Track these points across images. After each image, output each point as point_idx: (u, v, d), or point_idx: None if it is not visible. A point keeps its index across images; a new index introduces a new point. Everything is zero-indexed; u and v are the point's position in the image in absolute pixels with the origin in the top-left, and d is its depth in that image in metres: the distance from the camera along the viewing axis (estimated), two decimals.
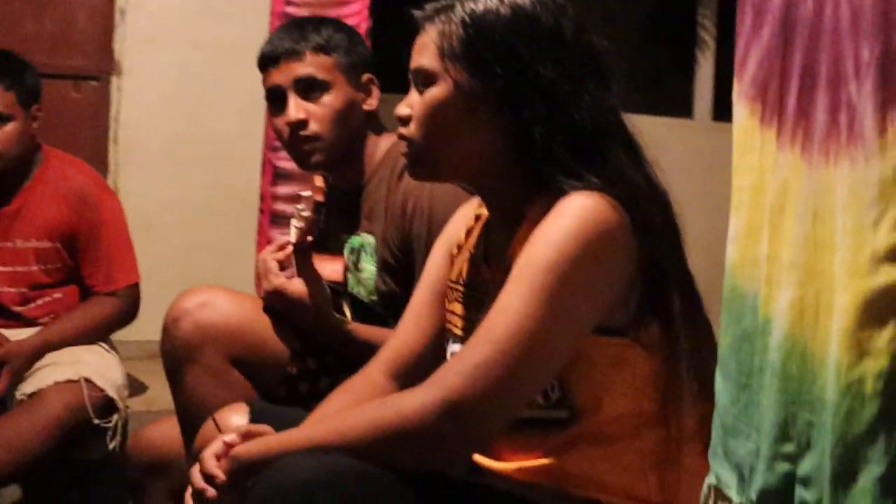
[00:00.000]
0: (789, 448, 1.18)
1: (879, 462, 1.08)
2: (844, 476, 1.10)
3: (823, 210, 1.15)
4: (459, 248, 1.84)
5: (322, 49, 2.33)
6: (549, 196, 1.60)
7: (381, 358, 1.87)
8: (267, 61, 2.36)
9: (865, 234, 1.09)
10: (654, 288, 1.61)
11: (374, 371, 1.86)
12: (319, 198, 2.17)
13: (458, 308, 1.80)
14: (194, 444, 1.90)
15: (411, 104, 1.72)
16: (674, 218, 1.68)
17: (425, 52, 1.70)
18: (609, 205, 1.56)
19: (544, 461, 1.65)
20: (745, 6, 1.28)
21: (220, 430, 1.82)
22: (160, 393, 3.12)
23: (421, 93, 1.70)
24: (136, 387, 3.35)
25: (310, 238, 2.21)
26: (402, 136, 1.74)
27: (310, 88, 2.31)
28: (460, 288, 1.81)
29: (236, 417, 1.86)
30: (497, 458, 1.69)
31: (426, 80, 1.69)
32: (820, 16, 1.16)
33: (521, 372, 1.52)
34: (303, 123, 2.29)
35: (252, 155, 3.89)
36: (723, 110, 5.17)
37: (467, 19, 1.66)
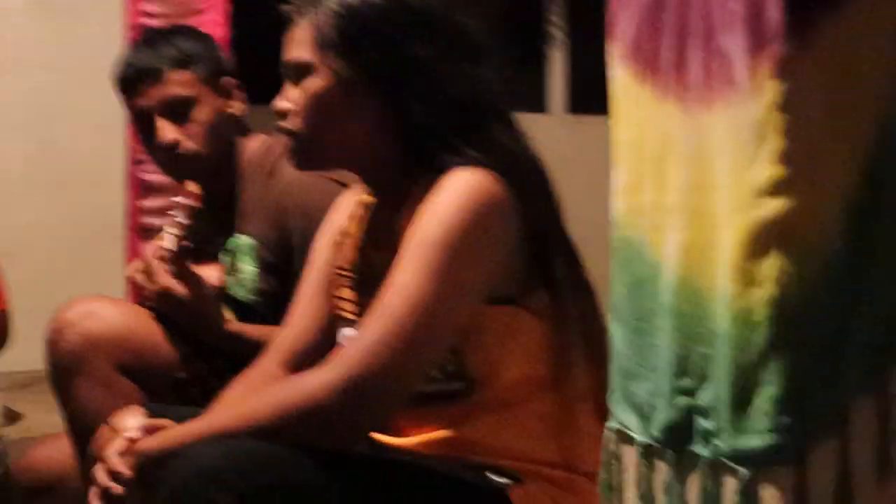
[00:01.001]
0: (687, 382, 1.24)
1: (773, 383, 1.15)
2: (742, 401, 1.17)
3: (704, 154, 1.21)
4: (345, 234, 1.87)
5: (181, 64, 2.32)
6: (432, 174, 1.65)
7: (275, 349, 1.89)
8: (126, 85, 2.34)
9: (745, 172, 1.16)
10: (538, 255, 1.67)
11: (269, 362, 1.87)
12: (195, 203, 2.17)
13: (347, 293, 1.83)
14: (90, 448, 1.88)
15: (290, 98, 1.74)
16: (552, 187, 1.75)
17: (299, 45, 1.73)
18: (490, 178, 1.62)
19: (444, 433, 1.70)
20: None
21: (115, 434, 1.81)
22: (37, 420, 3.08)
23: (297, 86, 1.73)
24: (11, 416, 3.29)
25: (186, 243, 2.21)
26: (283, 131, 1.76)
27: (176, 108, 2.31)
28: (349, 273, 1.84)
29: (132, 419, 1.85)
30: (398, 434, 1.73)
31: (302, 72, 1.72)
32: None
33: (419, 345, 1.57)
34: (176, 145, 2.29)
35: (113, 172, 3.84)
36: (576, 103, 5.31)
37: (338, 8, 1.70)
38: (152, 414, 1.79)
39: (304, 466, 1.52)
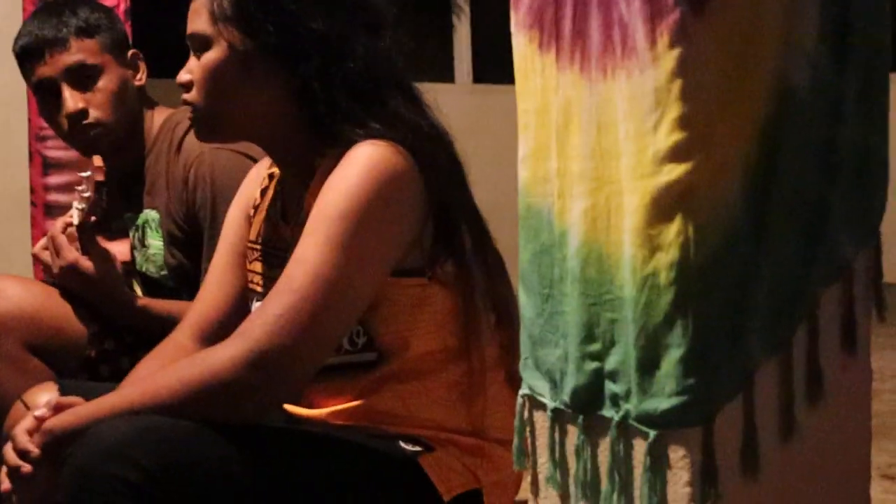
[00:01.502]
0: (595, 347, 1.26)
1: (679, 346, 1.17)
2: (648, 364, 1.19)
3: (606, 121, 1.23)
4: (256, 208, 1.87)
5: (85, 33, 2.29)
6: (338, 148, 1.65)
7: (187, 322, 1.88)
8: (30, 55, 2.30)
9: (647, 139, 1.18)
10: (444, 226, 1.68)
11: (181, 336, 1.87)
12: (100, 177, 2.14)
13: (258, 266, 1.83)
14: (4, 426, 1.86)
15: (191, 70, 1.74)
16: (457, 157, 1.76)
17: (198, 18, 1.72)
18: (394, 150, 1.63)
19: (356, 403, 1.71)
20: None
21: (28, 410, 1.79)
22: None
23: (199, 58, 1.72)
24: None
25: (93, 218, 2.18)
26: (185, 102, 1.76)
27: (82, 76, 2.28)
28: (259, 247, 1.84)
29: (45, 395, 1.84)
30: (310, 406, 1.73)
31: (202, 44, 1.72)
32: None
33: (324, 318, 1.57)
34: (83, 113, 2.26)
35: (17, 148, 3.78)
36: (482, 73, 5.33)
37: None
38: (65, 390, 1.77)
39: (211, 440, 1.52)
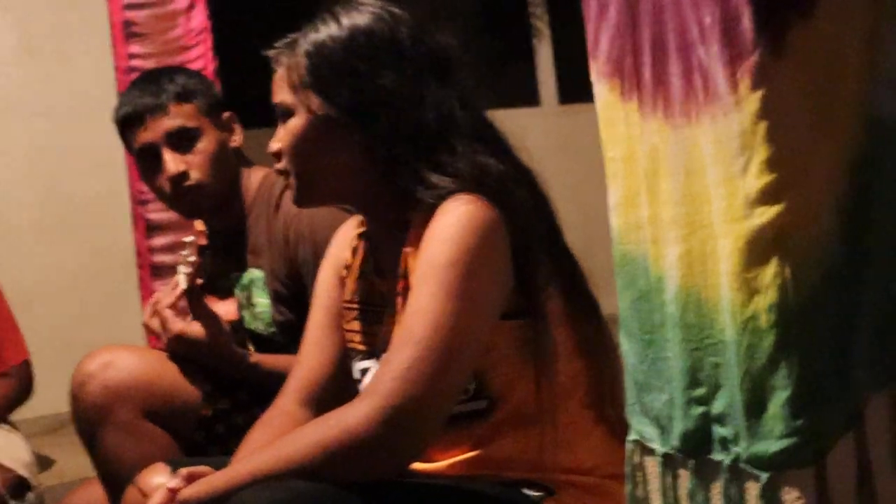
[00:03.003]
0: (701, 391, 1.25)
1: (785, 387, 1.16)
2: (755, 407, 1.19)
3: (694, 166, 1.23)
4: (348, 268, 1.89)
5: (183, 98, 2.37)
6: (430, 201, 1.67)
7: (290, 388, 1.90)
8: (131, 122, 2.37)
9: (736, 182, 1.17)
10: (526, 270, 1.68)
11: (286, 402, 1.89)
12: (202, 241, 2.20)
13: (356, 325, 1.85)
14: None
15: (279, 138, 1.79)
16: (543, 194, 1.77)
17: (280, 88, 1.78)
18: (480, 201, 1.64)
19: (472, 454, 1.71)
20: None
21: (142, 494, 1.83)
22: (68, 464, 3.12)
23: (284, 126, 1.78)
24: (43, 462, 3.32)
25: (199, 281, 2.24)
26: (278, 171, 1.81)
27: (182, 139, 2.35)
28: (356, 306, 1.86)
29: (157, 477, 1.86)
30: (426, 460, 1.74)
31: (286, 113, 1.77)
32: None
33: (449, 366, 1.57)
34: (184, 175, 2.33)
35: (120, 212, 3.88)
36: (567, 94, 5.32)
37: (309, 48, 1.74)
38: (174, 469, 1.80)
39: (349, 502, 1.52)
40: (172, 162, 2.33)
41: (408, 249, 1.70)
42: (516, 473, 1.70)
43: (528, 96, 5.08)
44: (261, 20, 4.39)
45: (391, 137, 1.69)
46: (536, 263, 1.68)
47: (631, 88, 1.31)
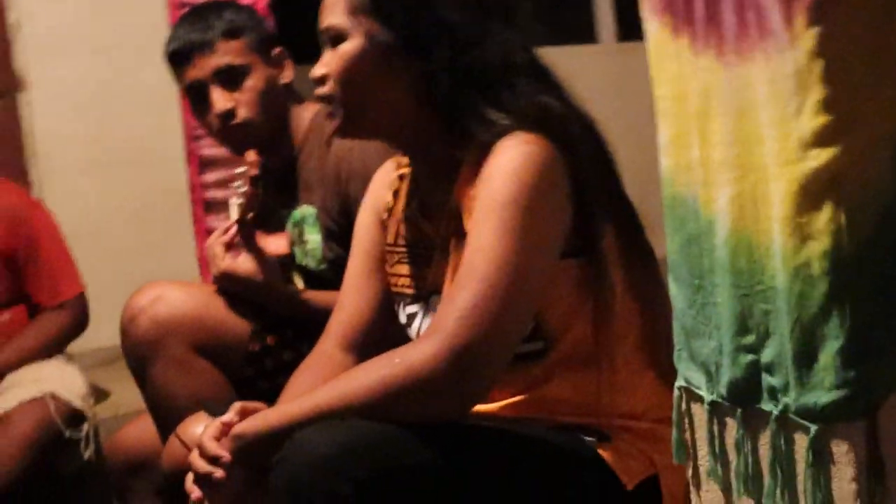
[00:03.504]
0: (750, 339, 1.22)
1: (837, 337, 1.13)
2: (806, 356, 1.15)
3: (746, 106, 1.18)
4: (389, 211, 1.86)
5: (231, 34, 2.34)
6: (482, 140, 1.63)
7: (331, 333, 1.88)
8: (178, 58, 2.35)
9: (790, 123, 1.13)
10: (584, 209, 1.65)
11: (328, 346, 1.87)
12: (255, 171, 2.18)
13: (403, 269, 1.82)
14: (164, 464, 1.89)
15: (326, 63, 1.73)
16: (600, 137, 1.73)
17: (334, 10, 1.72)
18: (539, 139, 1.60)
19: (526, 395, 1.69)
20: None
21: (185, 446, 1.82)
22: (124, 396, 3.14)
23: (333, 50, 1.72)
24: (98, 394, 3.35)
25: (251, 213, 2.23)
26: (320, 97, 1.75)
27: (230, 76, 2.32)
28: (402, 249, 1.83)
29: (199, 425, 1.85)
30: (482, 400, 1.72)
31: (337, 37, 1.71)
32: None
33: (514, 304, 1.54)
34: (231, 113, 2.31)
35: (173, 148, 3.88)
36: (626, 31, 5.23)
37: None
38: (213, 415, 1.77)
39: (412, 445, 1.48)
40: (220, 100, 2.31)
41: (460, 189, 1.66)
42: (569, 417, 1.68)
43: (584, 33, 4.98)
44: None
45: (451, 71, 1.65)
46: (595, 204, 1.65)
47: (682, 25, 1.26)
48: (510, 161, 1.58)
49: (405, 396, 1.50)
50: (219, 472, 1.56)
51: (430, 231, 1.76)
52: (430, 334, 1.53)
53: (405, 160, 1.86)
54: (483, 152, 1.62)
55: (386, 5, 1.68)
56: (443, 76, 1.65)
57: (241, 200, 2.20)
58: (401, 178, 1.86)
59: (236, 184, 2.21)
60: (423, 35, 1.67)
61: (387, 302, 1.86)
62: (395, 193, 1.86)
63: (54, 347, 3.14)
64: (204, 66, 2.32)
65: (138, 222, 3.99)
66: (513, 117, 1.62)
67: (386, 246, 1.86)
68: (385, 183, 1.90)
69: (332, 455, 1.43)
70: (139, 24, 3.88)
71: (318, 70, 1.74)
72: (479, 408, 1.69)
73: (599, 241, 1.65)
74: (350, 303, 1.88)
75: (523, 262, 1.54)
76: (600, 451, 1.65)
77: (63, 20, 3.99)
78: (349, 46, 1.70)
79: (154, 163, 3.98)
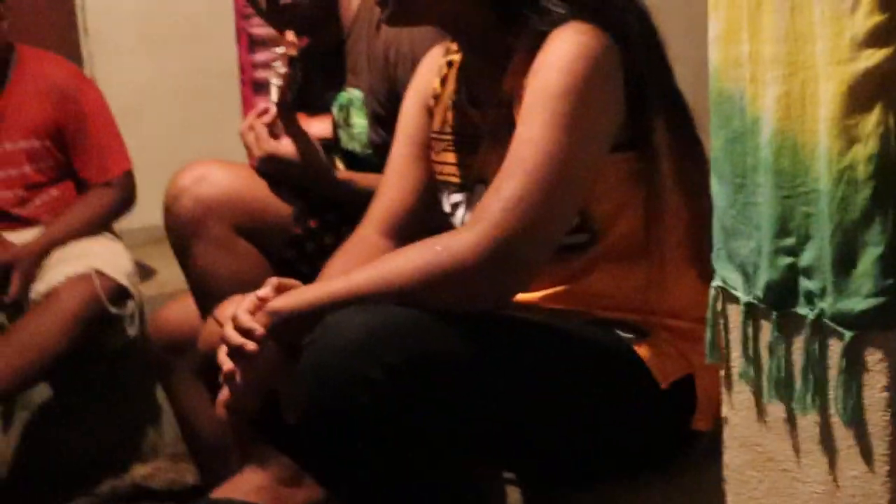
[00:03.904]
0: (789, 241, 1.20)
1: (878, 244, 1.10)
2: (845, 262, 1.13)
3: (800, 2, 1.14)
4: (436, 98, 1.84)
5: None
6: (536, 28, 1.60)
7: (372, 217, 1.86)
8: None
9: (844, 21, 1.09)
10: (638, 104, 1.62)
11: (368, 231, 1.86)
12: (293, 52, 2.15)
13: (450, 157, 1.80)
14: (201, 345, 1.89)
15: None
16: (654, 31, 1.68)
17: None
18: (595, 30, 1.57)
19: (567, 286, 1.68)
20: None
21: (221, 325, 1.82)
22: (169, 275, 3.16)
23: None
24: (145, 272, 3.39)
25: (291, 95, 2.21)
26: None
27: None
28: (448, 136, 1.81)
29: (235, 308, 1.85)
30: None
31: None
32: None
33: (560, 197, 1.52)
34: None
35: (224, 26, 3.85)
36: None
37: None
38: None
39: (447, 332, 1.47)
40: None
41: (512, 77, 1.64)
42: (609, 312, 1.68)
43: None
44: None
45: None
46: (649, 97, 1.62)
47: None
48: (564, 52, 1.55)
49: (444, 283, 1.48)
50: (251, 345, 1.55)
51: (478, 119, 1.74)
52: (472, 223, 1.51)
53: (454, 46, 1.83)
54: (537, 41, 1.59)
55: None
56: None
57: (280, 82, 2.17)
58: (449, 64, 1.83)
59: (275, 64, 2.19)
60: None
61: (430, 189, 1.84)
62: (444, 80, 1.83)
63: (101, 224, 3.17)
64: None
65: (188, 101, 3.99)
66: (569, 6, 1.59)
67: (432, 133, 1.84)
68: (433, 68, 1.87)
69: (363, 339, 1.42)
70: None
71: None
72: (520, 297, 1.67)
73: (652, 134, 1.63)
74: (392, 188, 1.86)
75: (571, 156, 1.52)
76: (637, 349, 1.64)
77: None
78: None
79: (205, 41, 3.96)
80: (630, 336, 1.66)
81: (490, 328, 1.53)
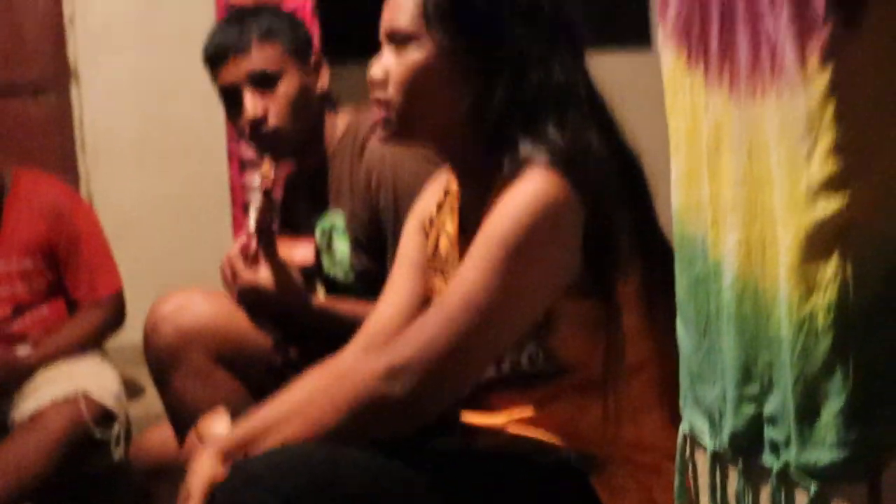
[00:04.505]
0: (753, 389, 1.17)
1: (839, 395, 1.07)
2: (808, 412, 1.09)
3: (757, 146, 1.13)
4: (432, 222, 1.84)
5: (267, 38, 2.31)
6: (515, 164, 1.60)
7: (361, 335, 1.85)
8: (214, 59, 2.34)
9: (800, 168, 1.07)
10: (600, 257, 1.61)
11: (354, 349, 1.84)
12: (268, 184, 2.16)
13: (439, 283, 1.80)
14: (183, 460, 1.88)
15: (386, 66, 1.68)
16: (639, 173, 1.68)
17: (402, 13, 1.67)
18: (562, 178, 1.56)
19: (532, 413, 1.67)
20: None
21: (202, 441, 1.81)
22: (157, 395, 3.12)
23: (396, 54, 1.67)
24: (133, 390, 3.35)
25: (268, 224, 2.20)
26: (377, 100, 1.70)
27: (263, 81, 2.30)
28: (438, 263, 1.81)
29: (219, 426, 1.85)
30: (488, 409, 1.70)
31: (403, 40, 1.66)
32: None
33: (469, 341, 1.55)
34: (262, 120, 2.29)
35: (218, 145, 3.88)
36: None
37: None
38: (235, 417, 1.78)
39: (353, 462, 1.54)
40: (251, 106, 2.28)
41: (487, 212, 1.62)
42: (570, 440, 1.66)
43: (639, 37, 4.90)
44: None
45: (509, 91, 1.62)
46: (612, 249, 1.61)
47: (697, 56, 1.21)
48: (515, 198, 1.56)
49: (351, 413, 1.55)
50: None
51: (464, 249, 1.72)
52: (379, 351, 1.61)
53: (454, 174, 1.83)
54: (510, 180, 1.59)
55: (463, 17, 1.64)
56: (500, 95, 1.63)
57: (256, 213, 2.17)
58: (446, 193, 1.83)
59: (253, 191, 2.19)
60: (492, 53, 1.63)
61: (425, 309, 1.82)
62: (440, 207, 1.83)
63: (90, 343, 3.16)
64: (238, 70, 2.30)
65: (182, 219, 4.01)
66: (544, 150, 1.59)
67: (427, 257, 1.83)
68: (433, 195, 1.87)
69: (265, 474, 1.49)
70: (189, 20, 3.88)
71: (378, 72, 1.69)
72: (483, 418, 1.70)
73: (612, 289, 1.62)
74: (385, 307, 1.85)
75: (494, 305, 1.55)
76: (593, 482, 1.62)
77: (115, 14, 4.01)
78: (418, 55, 1.65)
79: (199, 159, 3.99)
80: (587, 467, 1.64)
81: (413, 457, 1.58)
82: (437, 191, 1.86)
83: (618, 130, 1.69)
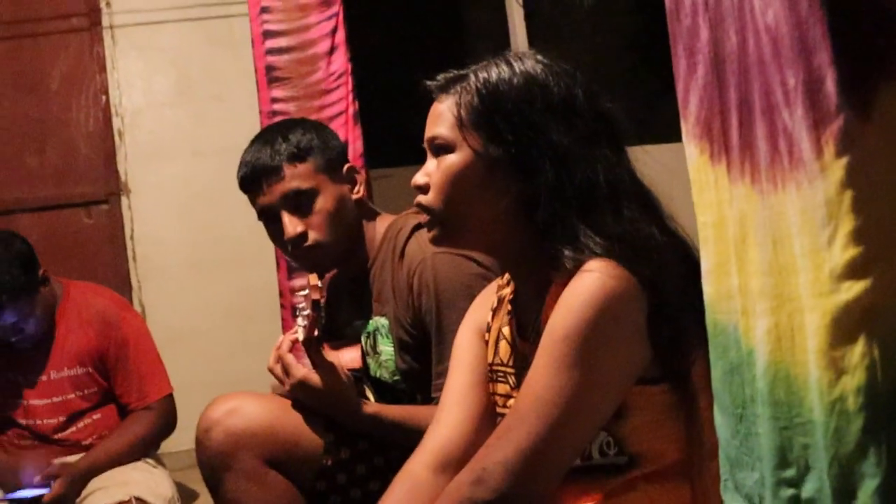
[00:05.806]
0: (790, 473, 1.18)
1: (874, 476, 1.09)
2: (844, 494, 1.11)
3: (781, 236, 1.16)
4: (489, 328, 1.84)
5: (297, 158, 2.35)
6: (570, 261, 1.61)
7: (426, 449, 1.83)
8: (248, 185, 2.38)
9: (822, 254, 1.11)
10: (670, 343, 1.61)
11: (418, 468, 1.82)
12: (316, 296, 2.19)
13: (503, 388, 1.80)
14: None
15: (429, 173, 1.73)
16: (695, 261, 1.69)
17: (441, 122, 1.72)
18: (620, 269, 1.57)
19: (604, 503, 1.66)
20: (678, 48, 1.30)
21: None
22: (211, 499, 3.15)
23: (437, 160, 1.72)
24: (187, 495, 3.38)
25: (315, 333, 2.23)
26: (420, 206, 1.74)
27: (299, 200, 2.34)
28: (500, 368, 1.80)
29: None
30: (560, 501, 1.69)
31: (443, 148, 1.71)
32: (744, 49, 1.19)
33: (557, 443, 1.56)
34: (302, 236, 2.33)
35: (266, 251, 3.93)
36: None
37: (482, 88, 1.69)
38: None
39: None
40: (290, 225, 2.33)
41: (548, 310, 1.63)
42: None
43: (678, 132, 4.94)
44: (400, 61, 4.41)
45: (554, 191, 1.64)
46: (680, 334, 1.60)
47: (720, 152, 1.25)
48: (578, 293, 1.56)
49: None
50: None
51: (527, 351, 1.72)
52: (474, 482, 1.58)
53: (506, 279, 1.85)
54: (570, 276, 1.59)
55: (496, 122, 1.67)
56: (545, 195, 1.64)
57: (305, 322, 2.21)
58: (500, 298, 1.84)
59: (300, 306, 2.23)
60: (530, 153, 1.65)
61: (489, 419, 1.81)
62: (495, 312, 1.84)
63: (141, 449, 3.19)
64: (272, 193, 2.34)
65: (232, 324, 4.06)
66: (604, 244, 1.60)
67: (488, 365, 1.83)
68: (486, 301, 1.88)
69: None
70: (234, 131, 3.98)
71: (420, 178, 1.73)
72: None
73: (682, 370, 1.62)
74: (449, 418, 1.83)
75: (568, 402, 1.54)
76: None
77: (163, 127, 4.12)
78: (455, 159, 1.70)
79: (249, 266, 4.05)
80: None
81: None
82: (490, 296, 1.87)
83: (666, 218, 1.70)
